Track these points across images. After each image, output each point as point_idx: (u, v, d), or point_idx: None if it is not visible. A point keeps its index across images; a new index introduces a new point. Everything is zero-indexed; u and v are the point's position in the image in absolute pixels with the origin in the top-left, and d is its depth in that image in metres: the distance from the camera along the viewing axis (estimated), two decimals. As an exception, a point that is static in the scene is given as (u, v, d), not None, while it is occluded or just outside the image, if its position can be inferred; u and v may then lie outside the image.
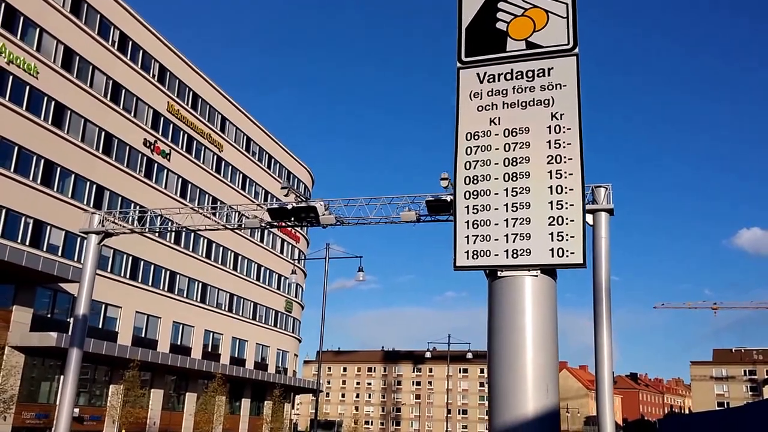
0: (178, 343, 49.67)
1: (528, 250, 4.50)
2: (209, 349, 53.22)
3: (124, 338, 43.74)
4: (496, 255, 4.51)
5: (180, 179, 51.18)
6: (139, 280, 46.20)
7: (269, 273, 62.90)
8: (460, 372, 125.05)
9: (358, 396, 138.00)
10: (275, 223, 20.16)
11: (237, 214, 31.32)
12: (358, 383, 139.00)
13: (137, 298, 45.54)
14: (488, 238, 4.57)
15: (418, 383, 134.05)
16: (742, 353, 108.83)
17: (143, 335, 46.08)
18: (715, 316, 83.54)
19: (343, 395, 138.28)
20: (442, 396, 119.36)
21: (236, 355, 56.57)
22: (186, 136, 52.41)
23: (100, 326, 41.97)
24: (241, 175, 59.19)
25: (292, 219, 19.47)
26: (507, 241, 4.55)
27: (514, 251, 4.51)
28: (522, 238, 4.52)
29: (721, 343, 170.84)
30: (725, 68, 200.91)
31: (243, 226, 22.02)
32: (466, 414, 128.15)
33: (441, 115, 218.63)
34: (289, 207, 19.10)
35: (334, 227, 20.21)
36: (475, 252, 4.54)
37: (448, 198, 16.96)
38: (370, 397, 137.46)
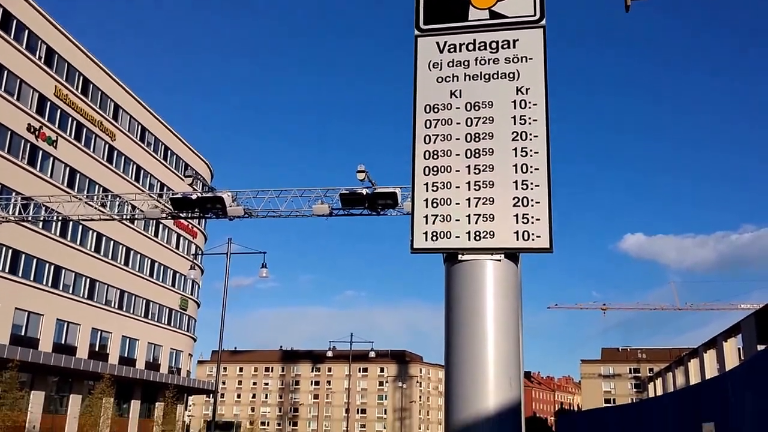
0: (62, 342, 46.53)
1: (492, 233, 4.12)
2: (96, 349, 50.24)
3: (1, 337, 40.43)
4: (458, 237, 4.11)
5: (67, 168, 48.00)
6: (20, 275, 42.88)
7: (164, 269, 60.24)
8: (360, 371, 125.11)
9: (254, 396, 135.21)
10: (178, 214, 19.01)
11: (130, 205, 29.58)
12: (254, 383, 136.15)
13: (17, 293, 42.26)
14: (449, 219, 4.16)
15: (317, 383, 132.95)
16: (628, 352, 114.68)
17: (23, 333, 42.84)
18: (604, 316, 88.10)
19: (238, 396, 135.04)
20: (341, 395, 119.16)
21: (126, 355, 53.75)
22: (75, 122, 49.22)
23: (-26, 324, 38.65)
24: (134, 165, 56.31)
25: (197, 210, 18.38)
26: (469, 222, 4.16)
27: (477, 233, 4.12)
28: (485, 219, 4.14)
29: (609, 342, 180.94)
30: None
31: (144, 216, 20.66)
32: (365, 413, 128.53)
33: (351, 111, 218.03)
34: (194, 197, 17.99)
35: (239, 221, 19.31)
36: (434, 233, 4.12)
37: (364, 191, 16.56)
38: (266, 398, 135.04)
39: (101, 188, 49.33)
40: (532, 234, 4.41)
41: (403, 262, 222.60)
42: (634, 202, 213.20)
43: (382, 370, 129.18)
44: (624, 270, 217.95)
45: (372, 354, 59.26)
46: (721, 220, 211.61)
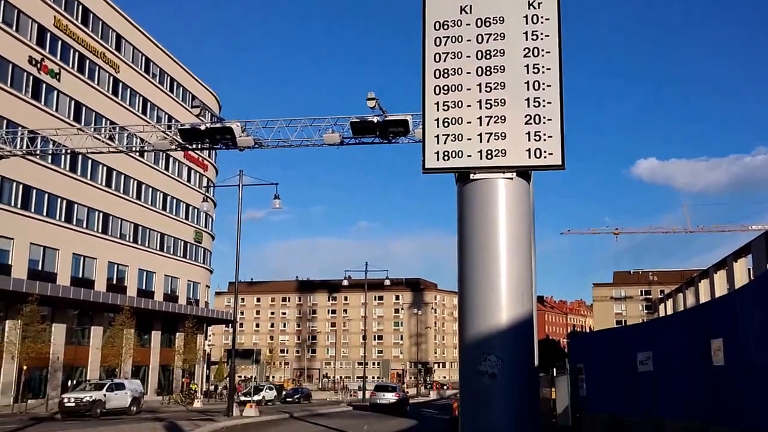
0: (80, 275, 47.45)
1: (503, 151, 4.09)
2: (114, 282, 51.24)
3: (19, 271, 41.26)
4: (469, 156, 4.08)
5: (72, 101, 47.65)
6: (32, 210, 43.31)
7: (176, 202, 60.66)
8: (375, 299, 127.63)
9: (272, 326, 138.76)
10: (187, 145, 18.94)
11: (138, 138, 29.44)
12: (272, 313, 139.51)
13: (31, 228, 42.81)
14: (460, 138, 4.12)
15: (334, 311, 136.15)
16: (639, 275, 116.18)
17: (40, 268, 43.64)
18: (616, 241, 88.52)
19: (257, 325, 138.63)
20: (358, 323, 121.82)
21: (144, 287, 54.84)
22: (77, 54, 48.51)
23: (-8, 259, 39.43)
24: (140, 98, 55.83)
25: (206, 141, 18.32)
26: (481, 141, 4.11)
27: (489, 152, 4.08)
28: (497, 137, 4.10)
29: (621, 267, 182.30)
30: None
31: (153, 148, 20.63)
32: (382, 339, 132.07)
33: (363, 30, 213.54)
34: (203, 128, 17.87)
35: (250, 153, 19.22)
36: (446, 153, 4.10)
37: (375, 119, 16.37)
38: (285, 327, 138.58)
39: (108, 121, 49.09)
40: (544, 151, 4.36)
41: (416, 190, 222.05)
42: (647, 126, 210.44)
43: (397, 297, 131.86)
44: (636, 195, 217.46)
45: (387, 282, 60.08)
46: (735, 143, 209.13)
